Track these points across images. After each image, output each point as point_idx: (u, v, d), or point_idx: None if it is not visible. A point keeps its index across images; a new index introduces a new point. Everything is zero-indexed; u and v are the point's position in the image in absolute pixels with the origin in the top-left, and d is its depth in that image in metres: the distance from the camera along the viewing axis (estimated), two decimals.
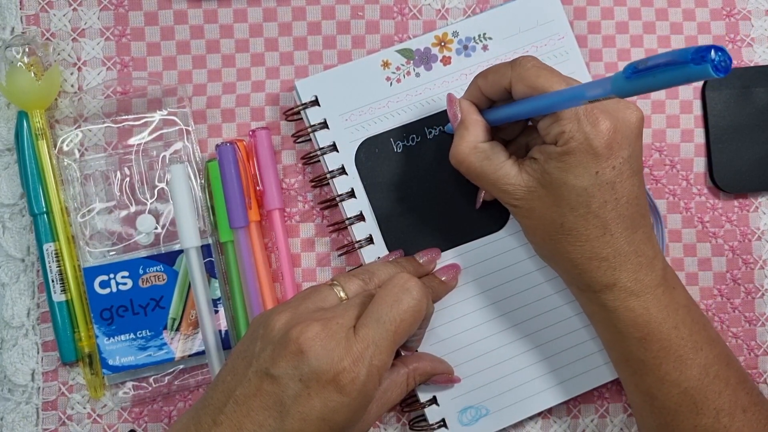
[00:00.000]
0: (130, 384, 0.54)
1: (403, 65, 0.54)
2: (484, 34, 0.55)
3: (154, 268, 0.54)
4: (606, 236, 0.45)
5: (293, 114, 0.55)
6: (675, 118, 0.57)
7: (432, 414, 0.53)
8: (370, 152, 0.54)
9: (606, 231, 0.45)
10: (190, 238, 0.52)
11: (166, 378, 0.54)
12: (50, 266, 0.53)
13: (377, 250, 0.53)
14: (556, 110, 0.44)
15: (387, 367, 0.43)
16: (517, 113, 0.47)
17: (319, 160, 0.54)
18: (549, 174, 0.45)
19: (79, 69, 0.56)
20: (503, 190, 0.47)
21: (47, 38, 0.56)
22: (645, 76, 0.36)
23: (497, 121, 0.49)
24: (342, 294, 0.46)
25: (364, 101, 0.54)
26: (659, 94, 0.57)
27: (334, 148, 0.54)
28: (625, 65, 0.37)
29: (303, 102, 0.54)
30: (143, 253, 0.54)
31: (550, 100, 0.44)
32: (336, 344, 0.41)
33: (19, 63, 0.53)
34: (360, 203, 0.54)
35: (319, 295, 0.46)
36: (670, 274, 0.48)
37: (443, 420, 0.53)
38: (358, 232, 0.53)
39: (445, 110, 0.54)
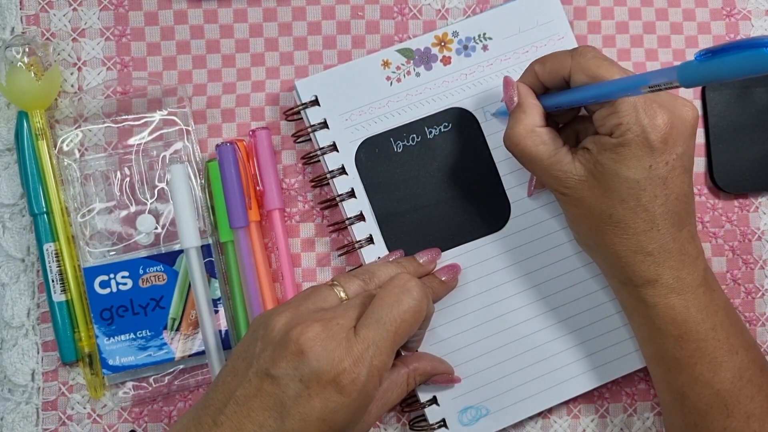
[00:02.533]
0: (130, 384, 0.54)
1: (403, 65, 0.54)
2: (484, 34, 0.55)
3: (154, 268, 0.54)
4: (653, 231, 0.46)
5: (293, 114, 0.55)
6: None
7: (432, 414, 0.53)
8: (370, 152, 0.54)
9: (653, 226, 0.46)
10: (190, 238, 0.52)
11: (166, 378, 0.54)
12: (50, 266, 0.53)
13: (377, 250, 0.53)
14: (616, 98, 0.44)
15: (387, 368, 0.43)
16: (575, 100, 0.47)
17: (319, 160, 0.54)
18: (601, 165, 0.45)
19: (79, 69, 0.56)
20: (555, 177, 0.47)
21: (47, 38, 0.56)
22: (717, 58, 0.36)
23: (553, 107, 0.49)
24: (342, 294, 0.46)
25: (364, 101, 0.54)
26: None
27: (334, 148, 0.54)
28: (695, 52, 0.37)
29: (303, 102, 0.54)
30: (143, 253, 0.54)
31: (611, 87, 0.44)
32: (336, 345, 0.41)
33: (19, 63, 0.53)
34: (360, 203, 0.54)
35: (320, 296, 0.46)
36: (710, 276, 0.48)
37: (443, 420, 0.53)
38: (358, 232, 0.53)
39: (446, 110, 0.54)
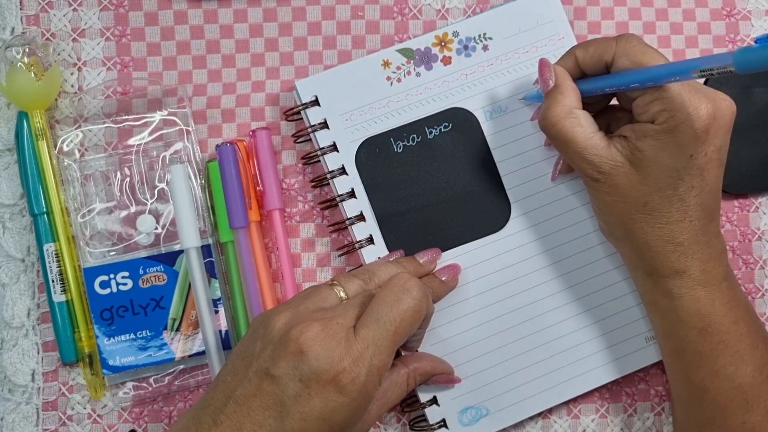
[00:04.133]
0: (130, 384, 0.54)
1: (403, 65, 0.54)
2: (485, 34, 0.55)
3: (154, 268, 0.54)
4: (685, 221, 0.46)
5: (293, 114, 0.55)
6: None
7: (432, 414, 0.53)
8: (370, 152, 0.54)
9: (686, 216, 0.46)
10: (190, 238, 0.52)
11: (167, 378, 0.54)
12: (50, 266, 0.53)
13: (377, 250, 0.53)
14: (662, 83, 0.44)
15: (387, 368, 0.43)
16: (617, 84, 0.47)
17: (319, 160, 0.54)
18: (641, 152, 0.45)
19: (79, 69, 0.56)
20: (588, 161, 0.47)
21: (47, 38, 0.56)
22: None
23: (591, 92, 0.49)
24: (342, 294, 0.46)
25: (364, 101, 0.54)
26: None
27: (334, 148, 0.54)
28: (755, 38, 0.37)
29: (303, 102, 0.54)
30: (143, 254, 0.54)
31: (659, 72, 0.44)
32: (336, 344, 0.41)
33: (19, 63, 0.53)
34: (360, 203, 0.54)
35: (320, 295, 0.46)
36: (731, 272, 0.49)
37: (443, 420, 0.53)
38: (358, 232, 0.53)
39: (446, 110, 0.54)
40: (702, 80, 0.53)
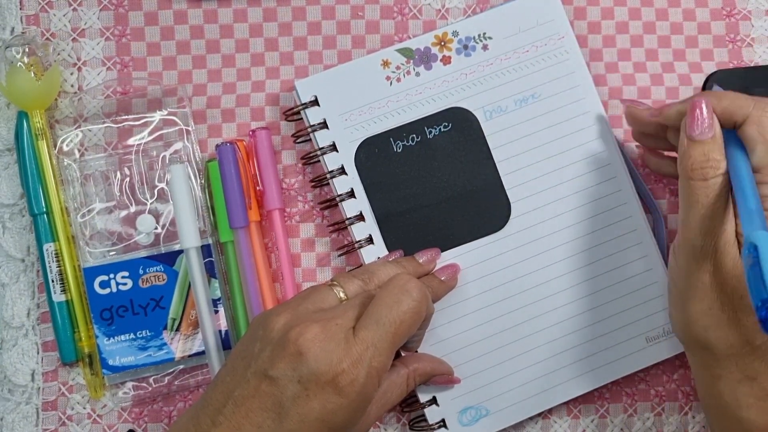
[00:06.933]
0: (130, 384, 0.54)
1: (403, 64, 0.54)
2: (484, 33, 0.55)
3: (154, 268, 0.54)
4: None
5: (293, 114, 0.55)
6: None
7: (432, 414, 0.53)
8: (370, 152, 0.54)
9: None
10: (190, 238, 0.52)
11: (166, 378, 0.54)
12: (50, 266, 0.53)
13: (377, 250, 0.53)
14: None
15: (386, 369, 0.43)
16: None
17: (319, 160, 0.54)
18: None
19: (79, 69, 0.56)
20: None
21: (47, 38, 0.56)
22: None
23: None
24: (342, 294, 0.46)
25: (363, 101, 0.54)
26: (659, 94, 0.57)
27: (334, 148, 0.54)
28: None
29: (303, 102, 0.54)
30: (143, 253, 0.54)
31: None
32: (335, 346, 0.41)
33: (19, 63, 0.53)
34: (360, 203, 0.54)
35: (319, 296, 0.46)
36: None
37: (443, 420, 0.53)
38: (358, 232, 0.53)
39: (446, 110, 0.54)
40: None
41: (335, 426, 0.41)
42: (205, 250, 0.54)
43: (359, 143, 0.54)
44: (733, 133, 0.46)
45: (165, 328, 0.54)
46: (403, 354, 0.52)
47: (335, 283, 0.47)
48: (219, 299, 0.54)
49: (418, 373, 0.50)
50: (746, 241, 0.39)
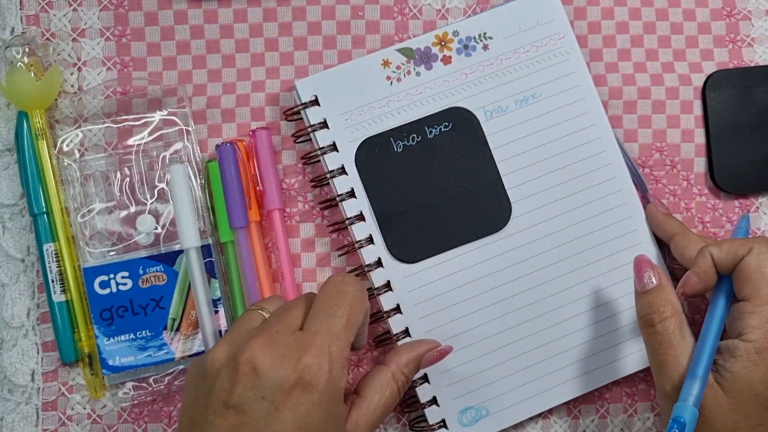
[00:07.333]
0: (130, 384, 0.54)
1: (403, 64, 0.54)
2: (485, 33, 0.55)
3: (154, 268, 0.54)
4: None
5: (293, 114, 0.55)
6: (675, 118, 0.57)
7: (432, 414, 0.53)
8: (370, 152, 0.54)
9: None
10: (190, 238, 0.52)
11: (166, 378, 0.54)
12: (50, 266, 0.53)
13: (377, 250, 0.53)
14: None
15: (346, 356, 0.42)
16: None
17: (319, 160, 0.54)
18: (731, 373, 0.44)
19: (79, 69, 0.56)
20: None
21: (47, 38, 0.56)
22: None
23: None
24: (265, 314, 0.45)
25: (364, 101, 0.54)
26: (659, 94, 0.57)
27: (334, 147, 0.54)
28: None
29: (303, 102, 0.54)
30: (143, 254, 0.54)
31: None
32: (285, 349, 0.40)
33: (19, 63, 0.53)
34: (360, 203, 0.54)
35: (247, 320, 0.45)
36: None
37: (443, 420, 0.53)
38: (358, 232, 0.53)
39: (446, 110, 0.54)
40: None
41: (315, 428, 0.40)
42: (205, 250, 0.54)
43: (359, 143, 0.54)
44: (725, 282, 0.47)
45: (165, 328, 0.54)
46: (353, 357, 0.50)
47: (255, 307, 0.46)
48: (219, 299, 0.54)
49: (402, 366, 0.47)
50: (674, 412, 0.41)
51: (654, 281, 0.48)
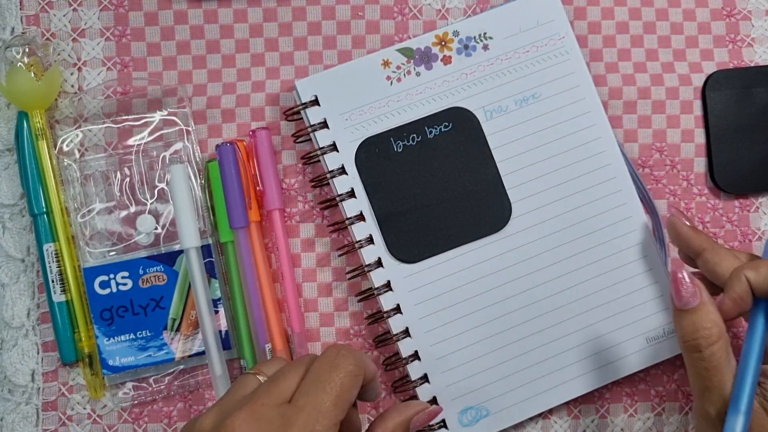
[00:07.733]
0: (130, 384, 0.54)
1: (403, 64, 0.54)
2: (485, 33, 0.55)
3: (154, 268, 0.54)
4: None
5: (293, 114, 0.55)
6: (675, 118, 0.57)
7: None
8: (370, 152, 0.54)
9: None
10: (190, 238, 0.52)
11: (166, 378, 0.54)
12: (50, 266, 0.53)
13: (377, 250, 0.53)
14: None
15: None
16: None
17: (319, 160, 0.54)
18: None
19: (79, 69, 0.56)
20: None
21: (47, 38, 0.56)
22: None
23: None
24: (262, 378, 0.43)
25: (364, 101, 0.54)
26: (659, 94, 0.57)
27: (334, 147, 0.54)
28: None
29: (303, 102, 0.54)
30: (143, 254, 0.54)
31: None
32: (268, 426, 0.39)
33: (19, 63, 0.53)
34: (360, 203, 0.54)
35: (242, 385, 0.43)
36: None
37: (443, 421, 0.53)
38: (358, 232, 0.53)
39: (446, 110, 0.54)
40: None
41: None
42: (205, 250, 0.54)
43: (359, 143, 0.54)
44: (762, 305, 0.46)
45: (165, 328, 0.54)
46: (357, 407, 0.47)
47: (254, 371, 0.44)
48: (219, 299, 0.54)
49: (389, 430, 0.45)
50: None
51: (697, 299, 0.45)
